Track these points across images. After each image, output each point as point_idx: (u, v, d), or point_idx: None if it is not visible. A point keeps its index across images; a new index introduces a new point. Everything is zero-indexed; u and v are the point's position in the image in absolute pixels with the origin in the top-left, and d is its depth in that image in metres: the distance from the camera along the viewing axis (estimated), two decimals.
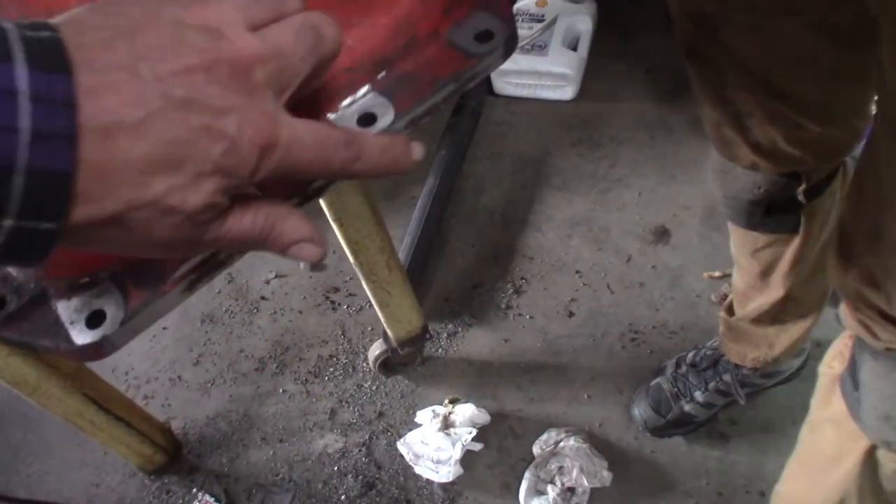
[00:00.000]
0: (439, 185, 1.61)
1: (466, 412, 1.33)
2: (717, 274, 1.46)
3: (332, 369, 1.48)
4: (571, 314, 1.48)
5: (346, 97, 0.45)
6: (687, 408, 1.29)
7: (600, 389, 1.38)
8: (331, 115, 0.44)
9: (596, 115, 1.80)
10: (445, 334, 1.49)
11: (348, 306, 1.57)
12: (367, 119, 0.44)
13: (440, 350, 1.47)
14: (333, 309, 1.57)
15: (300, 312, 1.58)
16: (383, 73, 0.46)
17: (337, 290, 1.60)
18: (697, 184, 1.61)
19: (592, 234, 1.58)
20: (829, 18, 0.69)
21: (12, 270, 0.43)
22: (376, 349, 1.40)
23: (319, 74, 0.38)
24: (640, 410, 1.32)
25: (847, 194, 0.71)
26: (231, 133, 0.31)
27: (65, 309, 0.42)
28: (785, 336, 1.15)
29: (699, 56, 0.81)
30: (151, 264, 0.42)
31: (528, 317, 1.49)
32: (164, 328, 1.59)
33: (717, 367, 1.28)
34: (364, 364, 1.47)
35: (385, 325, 1.30)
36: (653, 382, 1.33)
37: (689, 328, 1.42)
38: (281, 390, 1.47)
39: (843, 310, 0.78)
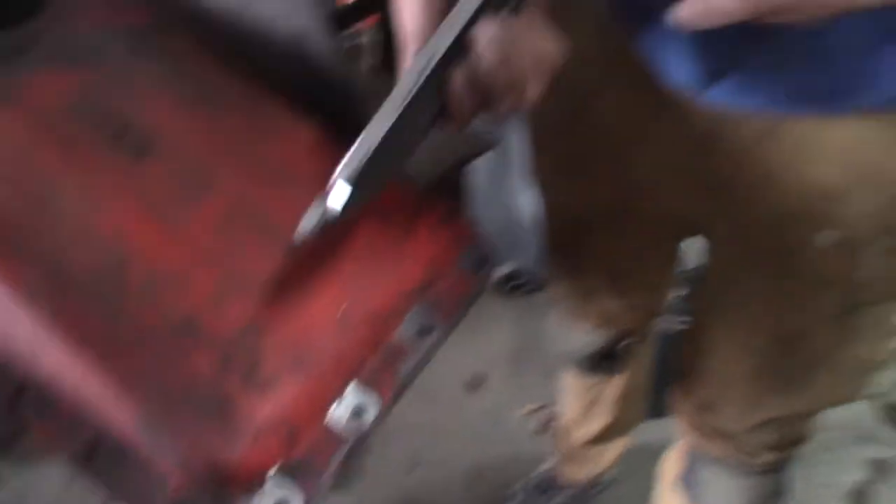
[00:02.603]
0: None
1: None
2: (532, 408, 1.75)
3: None
4: (416, 465, 1.67)
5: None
6: None
7: None
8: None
9: None
10: None
11: None
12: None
13: None
14: None
15: None
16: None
17: None
18: (501, 335, 1.91)
19: (415, 386, 1.80)
20: (665, 228, 0.99)
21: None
22: None
23: None
24: None
25: (685, 347, 1.02)
26: None
27: None
28: (610, 452, 1.46)
29: (561, 249, 1.09)
30: (308, 463, 0.53)
31: (372, 476, 1.64)
32: None
33: (554, 489, 1.55)
34: None
35: None
36: None
37: (519, 459, 1.68)
38: None
39: (680, 427, 1.08)
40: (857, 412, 1.75)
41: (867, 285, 0.76)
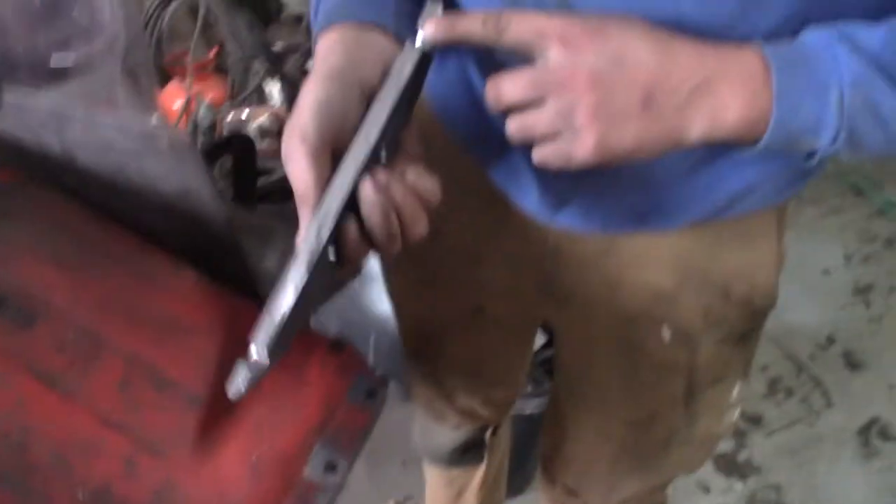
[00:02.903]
0: None
1: None
2: (392, 502, 1.77)
3: None
4: None
5: None
6: None
7: None
8: None
9: None
10: None
11: None
12: None
13: None
14: None
15: None
16: None
17: None
18: None
19: None
20: (518, 330, 1.07)
21: None
22: None
23: None
24: None
25: (544, 437, 1.09)
26: None
27: None
28: None
29: (420, 356, 1.14)
30: None
31: None
32: None
33: None
34: None
35: None
36: None
37: None
38: None
39: None
40: None
41: (706, 369, 0.86)
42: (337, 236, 0.58)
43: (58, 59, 1.17)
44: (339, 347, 0.69)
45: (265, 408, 0.62)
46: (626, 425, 0.94)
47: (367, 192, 0.57)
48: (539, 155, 0.59)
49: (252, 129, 2.00)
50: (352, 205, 0.58)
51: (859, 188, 2.80)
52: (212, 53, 2.53)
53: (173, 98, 2.42)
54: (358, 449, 0.64)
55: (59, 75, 1.23)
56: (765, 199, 0.76)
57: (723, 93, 0.56)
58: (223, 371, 0.62)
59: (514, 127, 0.59)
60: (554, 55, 0.56)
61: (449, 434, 1.25)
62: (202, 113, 2.05)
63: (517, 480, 1.36)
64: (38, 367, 0.58)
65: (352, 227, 0.58)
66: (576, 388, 0.99)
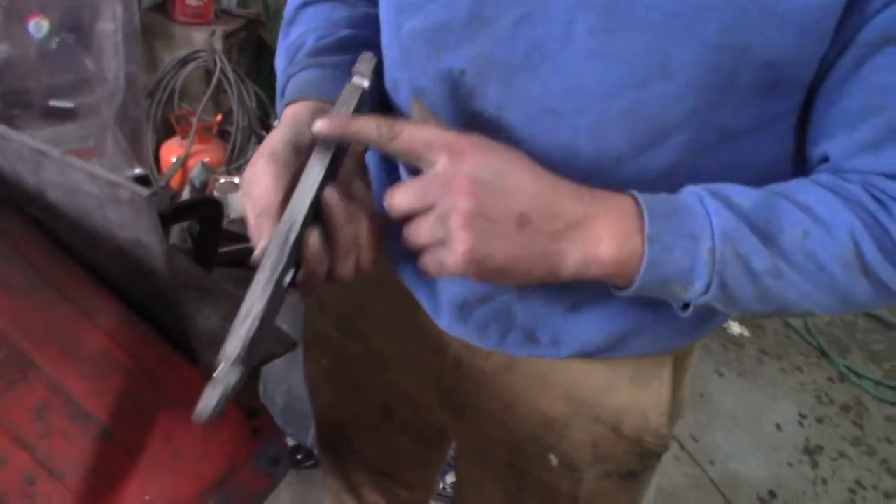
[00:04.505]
0: None
1: None
2: None
3: None
4: None
5: None
6: None
7: None
8: None
9: None
10: None
11: None
12: None
13: None
14: None
15: None
16: None
17: None
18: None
19: None
20: (425, 436, 1.09)
21: None
22: None
23: None
24: None
25: None
26: None
27: None
28: None
29: (331, 447, 1.17)
30: None
31: None
32: None
33: None
34: None
35: None
36: None
37: None
38: None
39: None
40: None
41: (588, 501, 0.87)
42: (299, 248, 0.61)
43: (58, 102, 1.25)
44: (255, 414, 0.73)
45: (169, 454, 0.65)
46: None
47: (332, 195, 0.62)
48: (421, 262, 0.62)
49: (241, 195, 2.07)
50: (313, 219, 0.62)
51: (824, 350, 2.86)
52: (218, 117, 2.63)
53: (173, 152, 2.50)
54: None
55: (59, 116, 1.30)
56: (654, 344, 0.78)
57: (597, 229, 0.59)
58: (138, 411, 0.66)
59: (404, 234, 0.61)
60: (440, 164, 0.58)
61: None
62: (198, 171, 2.13)
63: None
64: None
65: (314, 234, 0.62)
66: (468, 499, 1.01)
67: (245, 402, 0.73)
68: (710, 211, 0.58)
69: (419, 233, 0.60)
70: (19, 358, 0.65)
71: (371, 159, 0.87)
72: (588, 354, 0.78)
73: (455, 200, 0.57)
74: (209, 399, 0.59)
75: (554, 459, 0.85)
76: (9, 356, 0.64)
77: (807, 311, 0.63)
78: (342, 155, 0.66)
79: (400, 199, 0.60)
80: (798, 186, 0.63)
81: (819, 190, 0.62)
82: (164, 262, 0.68)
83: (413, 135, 0.59)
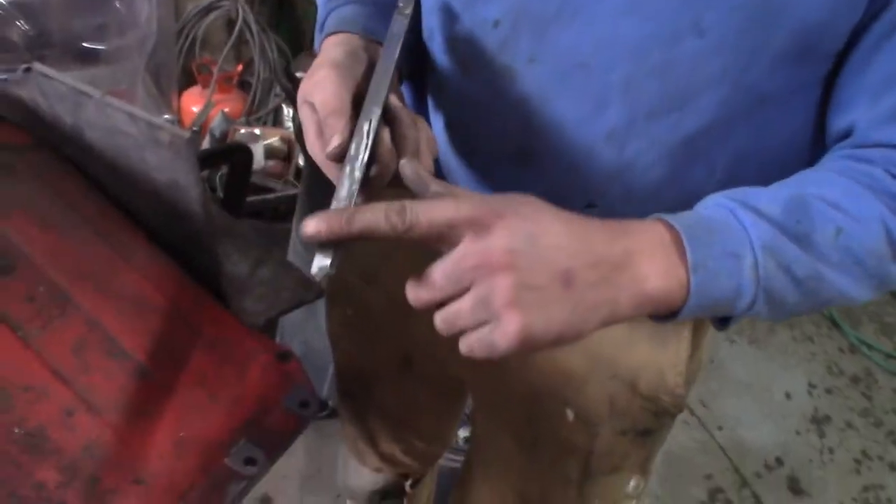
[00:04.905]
0: None
1: None
2: None
3: None
4: None
5: None
6: None
7: None
8: None
9: None
10: None
11: None
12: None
13: None
14: None
15: None
16: None
17: None
18: (293, 456, 1.94)
19: None
20: (444, 388, 1.11)
21: None
22: None
23: None
24: None
25: (453, 493, 1.13)
26: None
27: None
28: None
29: (350, 396, 1.19)
30: None
31: None
32: None
33: None
34: None
35: None
36: None
37: None
38: None
39: None
40: None
41: (603, 457, 0.89)
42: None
43: (89, 44, 1.25)
44: (286, 357, 0.74)
45: (203, 395, 0.66)
46: (521, 499, 0.97)
47: (396, 100, 0.64)
48: (464, 345, 0.57)
49: (261, 146, 2.07)
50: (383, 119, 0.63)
51: (836, 321, 2.86)
52: (239, 67, 2.62)
53: (193, 101, 2.50)
54: (280, 451, 0.68)
55: (89, 59, 1.30)
56: None
57: (640, 266, 0.55)
58: (173, 351, 0.67)
59: (438, 322, 0.57)
60: (467, 242, 0.54)
61: (369, 476, 1.29)
62: (218, 121, 2.13)
63: None
64: (6, 312, 0.62)
65: (386, 132, 0.62)
66: (483, 452, 1.02)
67: (275, 345, 0.74)
68: (747, 225, 0.57)
69: (458, 320, 0.56)
70: (58, 294, 0.66)
71: None
72: None
73: (494, 279, 0.52)
74: (321, 263, 0.58)
75: (570, 414, 0.86)
76: (48, 291, 0.65)
77: (845, 302, 0.63)
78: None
79: (428, 291, 0.56)
80: (822, 179, 0.62)
81: (844, 181, 0.61)
82: (200, 205, 0.69)
83: (432, 219, 0.54)
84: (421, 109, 0.83)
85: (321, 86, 0.64)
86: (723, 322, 0.63)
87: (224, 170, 1.46)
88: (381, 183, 0.63)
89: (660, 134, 0.65)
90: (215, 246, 0.75)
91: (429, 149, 0.65)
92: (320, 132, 0.64)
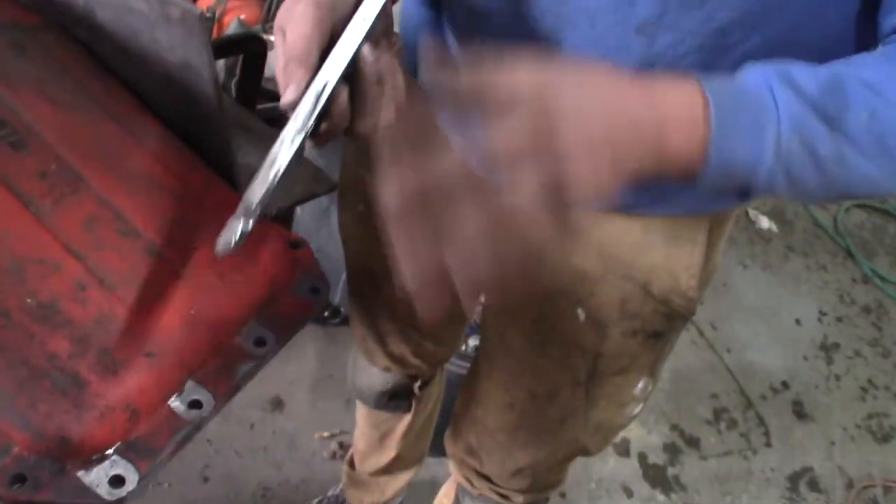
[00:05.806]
0: None
1: None
2: (326, 434, 1.82)
3: None
4: (206, 479, 1.70)
5: None
6: None
7: None
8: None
9: None
10: None
11: None
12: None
13: None
14: None
15: None
16: None
17: None
18: (305, 361, 1.98)
19: None
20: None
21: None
22: None
23: None
24: None
25: (459, 394, 1.14)
26: None
27: (86, 477, 0.56)
28: (393, 483, 1.56)
29: (360, 294, 1.20)
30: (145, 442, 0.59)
31: (165, 484, 1.66)
32: None
33: None
34: None
35: None
36: None
37: (310, 481, 1.74)
38: None
39: (451, 465, 1.21)
40: (618, 468, 1.97)
41: (612, 358, 0.89)
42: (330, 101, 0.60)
43: None
44: (298, 245, 0.74)
45: (214, 275, 0.67)
46: (529, 397, 0.98)
47: (368, 55, 0.60)
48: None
49: (275, 30, 2.03)
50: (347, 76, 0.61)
51: (851, 251, 2.84)
52: None
53: (207, 5, 2.45)
54: (290, 334, 0.69)
55: None
56: (689, 206, 0.78)
57: (668, 129, 0.55)
58: (185, 231, 0.67)
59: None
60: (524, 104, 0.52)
61: (379, 376, 1.30)
62: (233, 27, 2.09)
63: (441, 443, 1.40)
64: (18, 187, 0.62)
65: (343, 92, 0.60)
66: (491, 351, 1.03)
67: (288, 233, 0.74)
68: (779, 100, 0.55)
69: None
70: (69, 172, 0.66)
71: (409, 25, 0.85)
72: (621, 209, 0.78)
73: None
74: (230, 233, 0.59)
75: (581, 314, 0.86)
76: (59, 168, 0.65)
77: (872, 190, 0.61)
78: (382, 15, 0.63)
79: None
80: (864, 61, 0.60)
81: (888, 66, 0.59)
82: (212, 86, 0.68)
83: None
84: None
85: (296, 22, 0.61)
86: (743, 195, 0.62)
87: (237, 77, 1.44)
88: (327, 137, 0.63)
89: (691, 26, 0.63)
90: (228, 133, 0.74)
91: (394, 105, 0.63)
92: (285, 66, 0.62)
